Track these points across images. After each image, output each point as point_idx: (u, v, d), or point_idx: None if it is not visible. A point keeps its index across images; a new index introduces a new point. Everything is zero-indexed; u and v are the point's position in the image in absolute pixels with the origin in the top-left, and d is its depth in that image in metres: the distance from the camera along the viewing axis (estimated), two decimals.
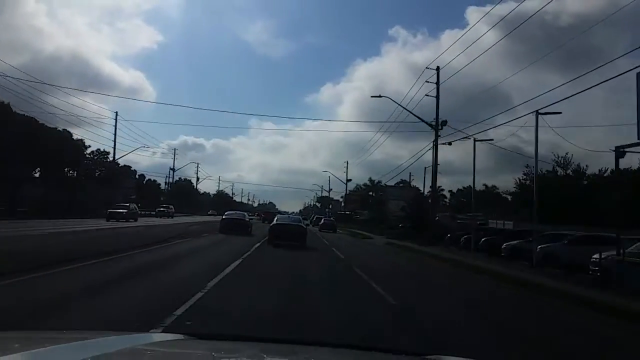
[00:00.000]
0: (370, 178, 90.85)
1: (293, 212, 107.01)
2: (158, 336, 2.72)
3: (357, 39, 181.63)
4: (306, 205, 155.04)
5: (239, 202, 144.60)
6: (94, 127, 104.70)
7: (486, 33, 59.43)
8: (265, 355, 2.40)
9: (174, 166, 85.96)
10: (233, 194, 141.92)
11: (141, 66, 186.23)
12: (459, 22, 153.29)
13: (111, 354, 1.88)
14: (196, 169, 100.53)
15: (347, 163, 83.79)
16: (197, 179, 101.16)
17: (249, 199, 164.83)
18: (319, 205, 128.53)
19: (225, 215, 32.12)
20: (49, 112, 45.23)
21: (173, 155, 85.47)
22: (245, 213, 37.54)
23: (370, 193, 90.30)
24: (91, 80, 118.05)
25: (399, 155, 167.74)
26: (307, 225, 33.27)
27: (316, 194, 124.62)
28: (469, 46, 68.03)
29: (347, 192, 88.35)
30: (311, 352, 2.62)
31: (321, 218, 64.21)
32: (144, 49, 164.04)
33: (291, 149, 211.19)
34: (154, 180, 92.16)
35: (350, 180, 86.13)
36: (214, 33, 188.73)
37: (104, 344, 2.07)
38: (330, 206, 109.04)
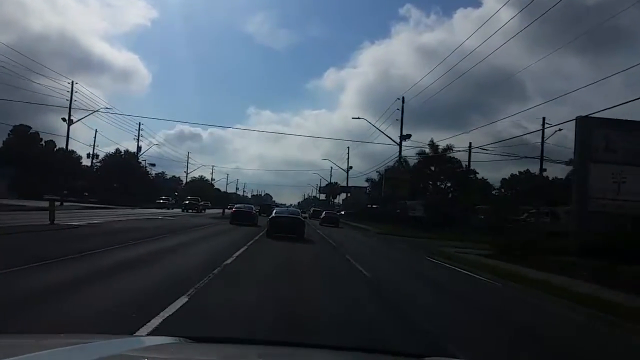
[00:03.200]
0: (431, 141, 53.72)
1: (291, 205, 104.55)
2: (154, 339, 2.68)
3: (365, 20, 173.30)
4: (306, 197, 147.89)
5: (223, 191, 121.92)
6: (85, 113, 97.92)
7: None
8: None
9: (68, 119, 45.35)
10: (213, 179, 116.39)
11: (134, 46, 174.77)
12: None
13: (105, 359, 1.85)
14: (137, 129, 64.77)
15: (402, 99, 42.81)
16: (138, 148, 66.58)
17: (237, 188, 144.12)
18: (320, 197, 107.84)
19: (235, 207, 36.90)
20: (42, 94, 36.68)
21: (69, 102, 45.77)
22: (252, 206, 41.27)
23: (432, 169, 55.37)
24: (80, 62, 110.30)
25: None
26: (305, 218, 32.65)
27: (321, 179, 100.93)
28: None
29: (399, 160, 46.36)
30: (311, 355, 2.62)
31: (320, 211, 57.68)
32: (137, 26, 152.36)
33: (291, 139, 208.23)
34: (72, 152, 58.91)
35: (408, 136, 43.14)
36: (211, 11, 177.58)
37: (98, 348, 2.06)
38: (348, 195, 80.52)
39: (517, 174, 61.95)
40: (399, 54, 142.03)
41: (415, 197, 49.25)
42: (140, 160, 70.22)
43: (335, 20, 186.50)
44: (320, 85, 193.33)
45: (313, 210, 65.69)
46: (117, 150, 72.73)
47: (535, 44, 79.59)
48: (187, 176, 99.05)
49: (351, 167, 68.99)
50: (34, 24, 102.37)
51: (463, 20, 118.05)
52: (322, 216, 48.65)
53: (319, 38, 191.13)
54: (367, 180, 69.34)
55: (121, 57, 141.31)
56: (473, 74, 79.44)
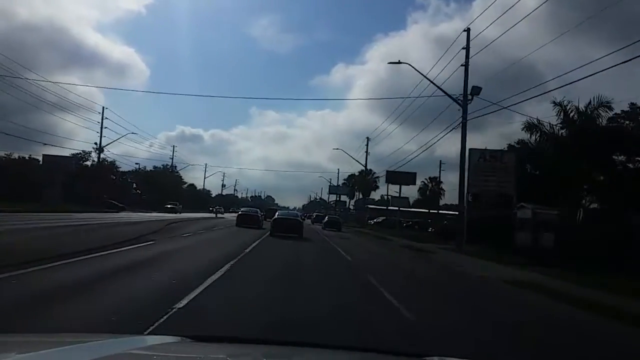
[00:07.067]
0: None
1: (295, 208, 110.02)
2: (156, 339, 2.72)
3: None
4: (312, 199, 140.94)
5: (201, 189, 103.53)
6: (83, 112, 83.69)
7: None
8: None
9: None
10: (174, 166, 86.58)
11: (128, 35, 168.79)
12: None
13: (106, 359, 1.87)
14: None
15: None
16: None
17: (223, 185, 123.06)
18: (334, 200, 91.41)
19: (241, 211, 38.32)
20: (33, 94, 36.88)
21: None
22: (258, 209, 42.47)
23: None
24: (72, 56, 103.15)
25: (407, 148, 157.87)
26: (304, 219, 36.02)
27: (339, 171, 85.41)
28: None
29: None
30: (312, 355, 2.65)
31: (322, 216, 57.81)
32: (130, 13, 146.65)
33: (295, 140, 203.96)
34: None
35: None
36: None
37: (100, 347, 2.08)
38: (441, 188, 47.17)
39: None
40: (413, 47, 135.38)
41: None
42: None
43: (339, 17, 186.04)
44: (327, 82, 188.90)
45: (316, 215, 67.13)
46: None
47: None
48: (139, 165, 68.19)
49: (476, 93, 26.00)
50: (21, 13, 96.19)
51: (483, 8, 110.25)
52: (324, 220, 50.11)
53: (326, 33, 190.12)
54: (517, 143, 31.33)
55: (116, 48, 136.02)
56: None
